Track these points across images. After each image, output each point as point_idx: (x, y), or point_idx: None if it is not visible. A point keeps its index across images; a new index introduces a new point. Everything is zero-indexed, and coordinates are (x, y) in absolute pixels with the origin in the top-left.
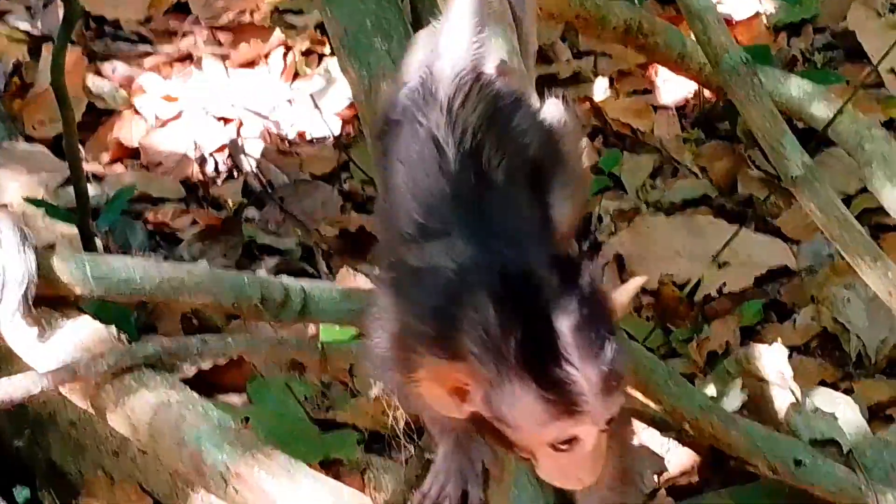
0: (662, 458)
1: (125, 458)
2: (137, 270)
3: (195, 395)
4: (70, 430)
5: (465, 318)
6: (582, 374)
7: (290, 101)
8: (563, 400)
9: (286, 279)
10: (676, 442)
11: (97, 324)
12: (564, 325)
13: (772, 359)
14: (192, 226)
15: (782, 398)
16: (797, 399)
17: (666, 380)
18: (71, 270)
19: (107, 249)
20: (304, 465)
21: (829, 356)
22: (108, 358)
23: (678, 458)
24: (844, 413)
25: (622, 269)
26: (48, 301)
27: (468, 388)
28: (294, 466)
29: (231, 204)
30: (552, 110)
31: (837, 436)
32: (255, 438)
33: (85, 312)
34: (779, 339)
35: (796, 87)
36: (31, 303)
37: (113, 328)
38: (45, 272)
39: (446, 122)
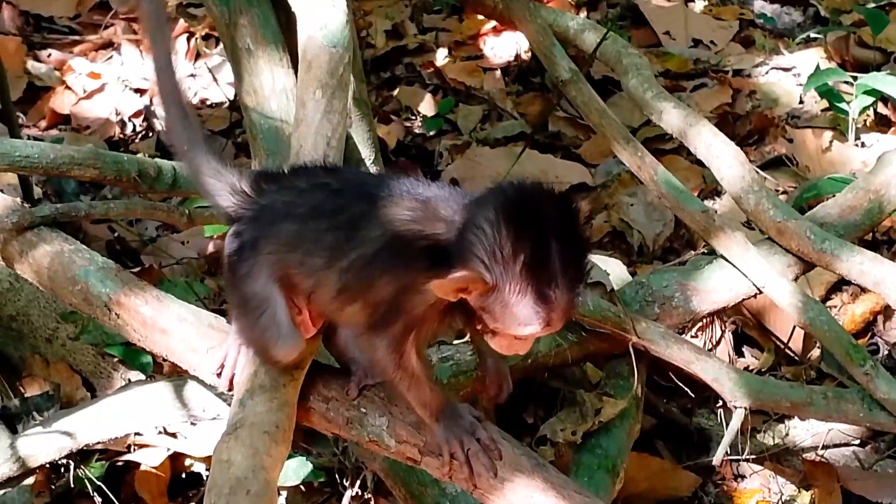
0: None
1: (57, 344)
2: (35, 149)
3: (83, 245)
4: (11, 323)
5: (474, 236)
6: (564, 299)
7: (192, 75)
8: (544, 316)
9: (160, 160)
10: None
11: (3, 195)
12: (560, 254)
13: None
14: None
15: None
16: None
17: None
18: None
19: (45, 195)
20: (171, 296)
21: (618, 248)
22: (12, 217)
23: None
24: (614, 270)
25: None
26: None
27: (469, 290)
28: (164, 296)
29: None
30: None
31: (602, 279)
32: (132, 276)
33: None
34: None
35: (571, 20)
36: None
37: (17, 199)
38: None
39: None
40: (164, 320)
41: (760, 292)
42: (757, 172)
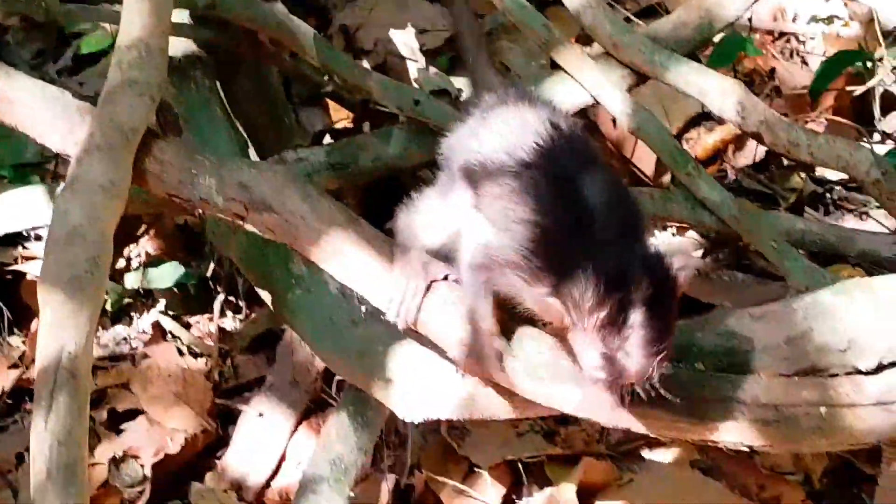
0: None
1: None
2: None
3: None
4: None
5: (572, 284)
6: (631, 366)
7: None
8: (606, 374)
9: None
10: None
11: None
12: (639, 327)
13: (404, 38)
14: None
15: (413, 67)
16: (424, 65)
17: (323, 46)
18: None
19: None
20: (21, 72)
21: None
22: None
23: None
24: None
25: (347, 36)
26: None
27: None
28: (13, 72)
29: None
30: None
31: (448, 87)
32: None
33: None
34: None
35: None
36: None
37: None
38: None
39: None
40: (11, 92)
41: (597, 102)
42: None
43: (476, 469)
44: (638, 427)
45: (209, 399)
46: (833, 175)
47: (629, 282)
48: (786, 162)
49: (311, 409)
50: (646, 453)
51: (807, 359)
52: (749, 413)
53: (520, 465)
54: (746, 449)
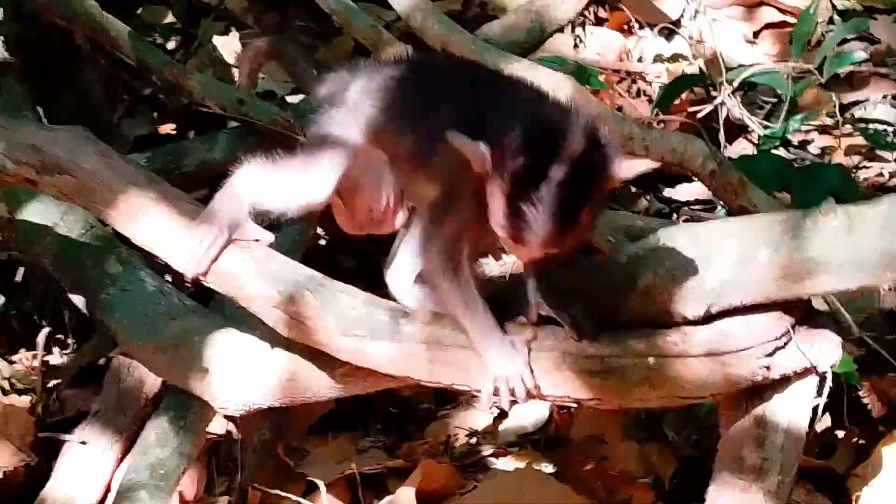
0: None
1: None
2: None
3: None
4: None
5: (499, 133)
6: (539, 224)
7: None
8: (512, 228)
9: None
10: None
11: None
12: (555, 184)
13: (229, 44)
14: None
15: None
16: None
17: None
18: None
19: None
20: None
21: None
22: None
23: None
24: None
25: None
26: None
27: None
28: None
29: None
30: None
31: (273, 88)
32: None
33: None
34: None
35: None
36: None
37: None
38: None
39: None
40: None
41: None
42: None
43: (314, 488)
44: (460, 381)
45: (31, 433)
46: (680, 196)
47: (561, 138)
48: (633, 189)
49: (140, 434)
50: (491, 462)
51: (634, 308)
52: (574, 364)
53: (359, 479)
54: (574, 405)
